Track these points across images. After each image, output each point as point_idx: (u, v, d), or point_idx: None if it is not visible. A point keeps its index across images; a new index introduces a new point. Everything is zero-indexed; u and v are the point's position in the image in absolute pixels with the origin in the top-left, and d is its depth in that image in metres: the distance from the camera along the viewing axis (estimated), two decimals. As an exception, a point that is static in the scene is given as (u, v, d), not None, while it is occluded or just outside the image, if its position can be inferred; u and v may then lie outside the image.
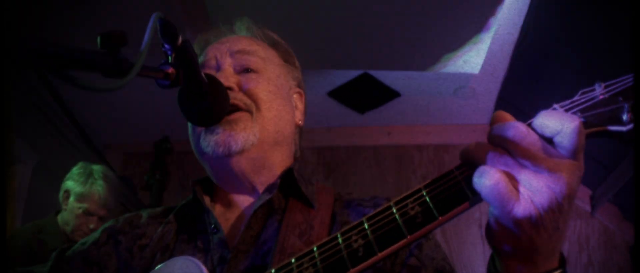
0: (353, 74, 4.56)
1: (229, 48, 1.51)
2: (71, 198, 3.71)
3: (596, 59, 3.41)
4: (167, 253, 1.38)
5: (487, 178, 0.82)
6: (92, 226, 3.68)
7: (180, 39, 1.08)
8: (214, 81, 1.25)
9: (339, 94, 4.85)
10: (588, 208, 4.88)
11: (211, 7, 3.60)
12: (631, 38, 0.88)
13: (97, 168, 3.83)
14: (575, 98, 0.90)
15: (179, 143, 4.72)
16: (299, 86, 1.66)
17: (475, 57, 4.05)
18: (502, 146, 0.85)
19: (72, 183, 3.74)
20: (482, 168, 0.84)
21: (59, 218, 3.75)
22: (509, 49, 4.09)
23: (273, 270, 1.03)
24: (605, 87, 0.88)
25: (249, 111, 1.40)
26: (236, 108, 1.38)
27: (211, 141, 1.36)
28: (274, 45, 1.63)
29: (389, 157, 5.42)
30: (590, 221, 4.88)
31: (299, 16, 3.68)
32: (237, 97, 1.39)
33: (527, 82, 4.24)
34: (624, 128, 0.85)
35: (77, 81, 0.79)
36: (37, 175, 4.75)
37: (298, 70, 1.68)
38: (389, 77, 4.60)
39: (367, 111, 5.16)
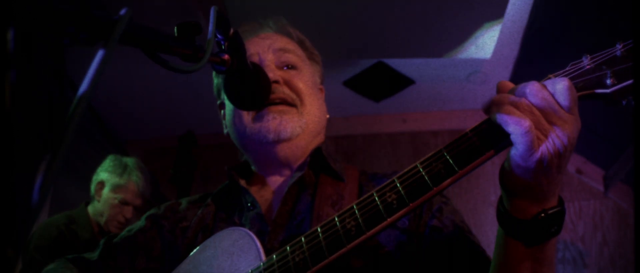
0: (368, 63, 4.62)
1: (270, 45, 1.65)
2: (106, 189, 3.74)
3: (606, 41, 3.47)
4: (208, 232, 1.53)
5: (521, 125, 0.96)
6: (127, 216, 3.73)
7: (232, 30, 1.23)
8: (258, 69, 1.39)
9: (355, 83, 4.90)
10: (601, 188, 4.95)
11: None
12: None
13: (130, 160, 3.89)
14: (567, 68, 1.06)
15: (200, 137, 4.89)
16: (322, 82, 1.81)
17: (487, 43, 4.10)
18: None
19: (107, 175, 3.78)
20: (515, 117, 0.98)
21: (90, 208, 3.79)
22: (519, 33, 4.15)
23: (319, 228, 1.18)
24: (591, 58, 1.03)
25: (295, 106, 1.56)
26: (284, 102, 1.54)
27: (261, 128, 1.52)
28: (301, 44, 1.77)
29: (405, 143, 5.49)
30: (604, 200, 4.94)
31: (313, 6, 3.73)
32: (284, 91, 1.55)
33: (537, 65, 4.27)
34: (607, 91, 0.99)
35: (168, 63, 0.94)
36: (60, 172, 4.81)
37: (320, 66, 1.82)
38: (403, 65, 4.64)
39: (383, 99, 5.20)
